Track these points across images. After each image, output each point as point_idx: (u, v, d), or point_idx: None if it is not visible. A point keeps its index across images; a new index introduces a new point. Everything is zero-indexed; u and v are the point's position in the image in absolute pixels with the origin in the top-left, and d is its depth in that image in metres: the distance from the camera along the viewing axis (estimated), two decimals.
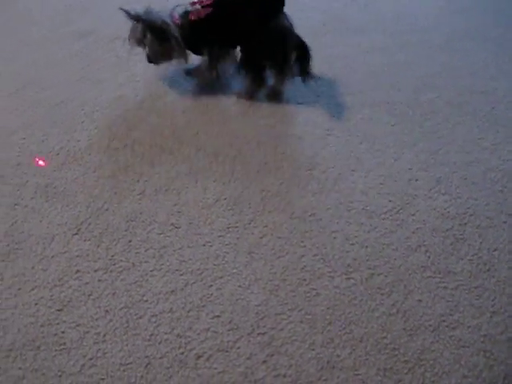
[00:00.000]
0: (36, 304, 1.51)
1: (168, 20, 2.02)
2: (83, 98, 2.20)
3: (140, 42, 2.05)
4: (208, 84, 2.23)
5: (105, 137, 2.01)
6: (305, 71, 2.06)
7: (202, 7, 2.02)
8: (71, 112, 2.13)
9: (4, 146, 2.01)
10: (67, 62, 2.41)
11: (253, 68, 2.07)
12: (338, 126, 2.04)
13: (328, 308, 1.50)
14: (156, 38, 2.02)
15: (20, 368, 1.38)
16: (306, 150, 1.94)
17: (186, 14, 2.04)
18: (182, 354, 1.40)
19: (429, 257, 1.63)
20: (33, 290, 1.55)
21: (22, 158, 1.94)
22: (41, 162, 1.80)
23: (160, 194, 1.81)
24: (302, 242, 1.64)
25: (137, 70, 2.30)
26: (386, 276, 1.57)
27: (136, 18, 1.99)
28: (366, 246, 1.64)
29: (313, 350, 1.41)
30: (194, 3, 2.04)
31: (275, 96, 2.18)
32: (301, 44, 2.03)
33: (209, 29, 2.02)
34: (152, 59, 2.13)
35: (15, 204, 1.78)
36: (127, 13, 1.97)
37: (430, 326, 1.46)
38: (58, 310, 1.50)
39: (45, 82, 2.30)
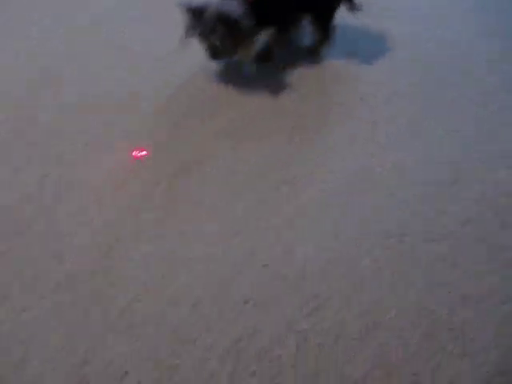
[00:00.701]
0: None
1: (239, 5, 1.85)
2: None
3: (206, 35, 1.89)
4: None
5: None
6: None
7: None
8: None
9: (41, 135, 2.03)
10: None
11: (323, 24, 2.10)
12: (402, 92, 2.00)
13: (377, 269, 1.51)
14: (229, 30, 1.85)
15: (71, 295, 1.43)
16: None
17: None
18: (228, 297, 1.44)
19: (481, 229, 1.59)
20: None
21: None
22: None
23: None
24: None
25: None
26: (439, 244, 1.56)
27: (201, 9, 1.84)
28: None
29: (358, 307, 1.43)
30: None
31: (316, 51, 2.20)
32: None
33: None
34: (217, 54, 1.96)
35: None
36: (189, 6, 1.84)
37: (477, 298, 1.44)
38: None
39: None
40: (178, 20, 1.85)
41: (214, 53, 1.93)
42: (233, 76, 2.07)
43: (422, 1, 2.44)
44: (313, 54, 2.19)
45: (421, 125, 1.89)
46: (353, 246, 1.55)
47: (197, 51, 1.93)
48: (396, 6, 2.36)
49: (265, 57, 2.10)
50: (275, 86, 2.04)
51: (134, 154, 1.70)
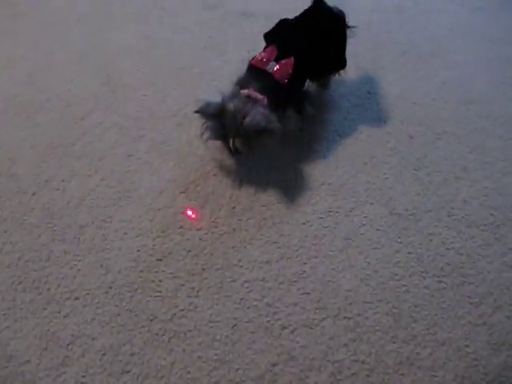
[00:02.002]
0: (138, 250, 1.61)
1: (260, 110, 1.64)
2: (205, 66, 2.27)
3: (227, 139, 1.74)
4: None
5: None
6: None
7: (278, 61, 1.73)
8: (192, 77, 2.21)
9: (126, 100, 2.13)
10: (194, 31, 2.49)
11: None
12: (450, 131, 2.00)
13: (415, 306, 1.51)
14: (254, 136, 1.68)
15: (116, 305, 1.48)
16: (415, 149, 1.92)
17: (267, 79, 1.72)
18: (268, 322, 1.46)
19: None
20: (137, 236, 1.64)
21: (141, 113, 2.04)
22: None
23: (270, 170, 1.86)
24: (399, 238, 1.65)
25: (260, 47, 2.33)
26: (476, 286, 1.56)
27: (221, 111, 1.67)
28: (461, 254, 1.63)
29: (394, 343, 1.43)
30: (258, 62, 1.75)
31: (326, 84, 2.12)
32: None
33: (300, 79, 1.82)
34: (239, 153, 1.80)
35: (130, 155, 1.88)
36: (205, 112, 1.69)
37: None
38: (158, 260, 1.59)
39: (170, 46, 2.39)
40: None
41: (236, 151, 1.78)
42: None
43: (466, 44, 2.45)
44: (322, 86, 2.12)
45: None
46: (394, 280, 1.56)
47: None
48: (441, 50, 2.38)
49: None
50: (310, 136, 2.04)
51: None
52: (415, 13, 2.57)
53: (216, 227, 1.66)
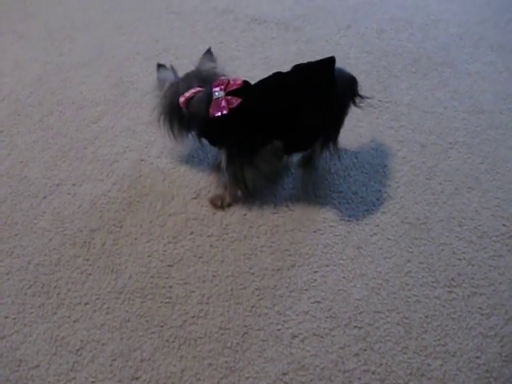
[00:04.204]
0: (149, 256, 1.61)
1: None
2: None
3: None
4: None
5: None
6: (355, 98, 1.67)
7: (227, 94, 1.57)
8: None
9: (138, 104, 2.13)
10: (203, 36, 2.48)
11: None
12: (461, 141, 2.00)
13: (426, 316, 1.50)
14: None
15: (127, 311, 1.48)
16: (427, 158, 1.92)
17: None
18: (279, 330, 1.46)
19: None
20: (148, 242, 1.64)
21: (152, 117, 2.03)
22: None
23: (280, 177, 1.86)
24: (410, 247, 1.65)
25: (271, 53, 2.34)
26: (488, 297, 1.55)
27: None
28: (473, 265, 1.62)
29: (405, 353, 1.43)
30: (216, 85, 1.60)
31: (310, 164, 1.86)
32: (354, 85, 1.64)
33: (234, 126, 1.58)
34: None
35: (141, 160, 1.88)
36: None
37: None
38: (169, 266, 1.59)
39: (180, 50, 2.38)
40: None
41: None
42: None
43: (476, 53, 2.44)
44: (305, 167, 1.89)
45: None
46: (405, 290, 1.56)
47: None
48: (452, 60, 2.37)
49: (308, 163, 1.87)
50: None
51: None
52: (425, 22, 2.55)
53: (227, 234, 1.66)
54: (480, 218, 1.75)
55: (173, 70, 1.71)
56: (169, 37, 2.49)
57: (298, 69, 1.58)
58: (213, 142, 1.71)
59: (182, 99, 1.59)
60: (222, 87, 1.56)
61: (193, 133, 1.70)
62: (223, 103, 1.54)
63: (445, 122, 2.06)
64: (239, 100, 1.54)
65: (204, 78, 1.64)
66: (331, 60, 1.52)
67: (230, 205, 1.74)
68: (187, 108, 1.60)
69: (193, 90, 1.60)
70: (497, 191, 1.82)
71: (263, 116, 1.55)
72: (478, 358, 1.43)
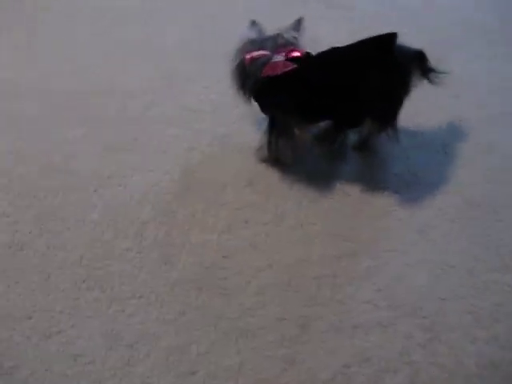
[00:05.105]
0: (203, 247, 1.56)
1: None
2: None
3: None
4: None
5: None
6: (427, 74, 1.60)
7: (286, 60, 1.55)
8: None
9: (186, 93, 2.09)
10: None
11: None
12: None
13: (496, 304, 1.42)
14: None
15: (181, 304, 1.44)
16: (490, 134, 1.82)
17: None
18: (340, 321, 1.39)
19: None
20: (202, 232, 1.59)
21: (201, 105, 2.00)
22: None
23: (335, 161, 1.80)
24: (476, 230, 1.56)
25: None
26: None
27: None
28: None
29: (475, 344, 1.34)
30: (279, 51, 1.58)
31: (367, 147, 1.79)
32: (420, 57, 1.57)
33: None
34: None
35: (192, 148, 1.84)
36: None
37: None
38: (224, 256, 1.54)
39: (226, 37, 2.31)
40: None
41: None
42: None
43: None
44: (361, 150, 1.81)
45: None
46: (472, 276, 1.48)
47: None
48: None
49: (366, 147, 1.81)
50: None
51: None
52: None
53: (282, 221, 1.61)
54: None
55: (261, 29, 1.66)
56: (212, 24, 2.43)
57: (357, 44, 1.53)
58: (261, 105, 1.66)
59: (248, 56, 1.57)
60: (284, 53, 1.55)
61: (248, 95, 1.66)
62: (278, 66, 1.52)
63: (500, 95, 1.97)
64: (294, 66, 1.52)
65: (280, 44, 1.60)
66: (392, 36, 1.47)
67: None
68: (249, 67, 1.57)
69: (262, 52, 1.57)
70: None
71: (316, 87, 1.54)
72: None
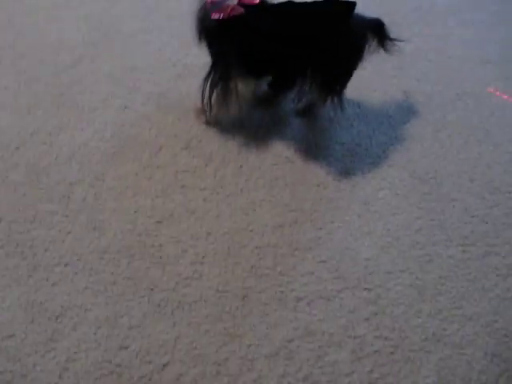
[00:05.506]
0: (135, 212, 1.46)
1: None
2: None
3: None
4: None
5: None
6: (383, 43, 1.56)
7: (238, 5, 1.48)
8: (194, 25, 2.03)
9: (120, 48, 1.95)
10: None
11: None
12: (469, 92, 1.89)
13: (440, 277, 1.39)
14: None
15: (112, 273, 1.34)
16: (434, 110, 1.78)
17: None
18: (282, 293, 1.33)
19: None
20: (134, 196, 1.49)
21: (137, 62, 1.87)
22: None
23: (278, 126, 1.70)
24: (420, 203, 1.53)
25: None
26: (504, 257, 1.44)
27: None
28: (486, 222, 1.51)
29: (419, 317, 1.31)
30: None
31: (310, 112, 1.74)
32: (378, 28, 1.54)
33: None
34: None
35: (125, 107, 1.72)
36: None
37: None
38: (158, 222, 1.44)
39: None
40: None
41: None
42: None
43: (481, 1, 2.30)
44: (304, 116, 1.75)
45: None
46: (416, 249, 1.44)
47: None
48: (456, 8, 2.23)
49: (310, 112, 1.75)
50: None
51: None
52: None
53: (222, 187, 1.52)
54: (492, 172, 1.64)
55: None
56: None
57: (315, 2, 1.47)
58: (208, 48, 1.56)
59: (209, 0, 1.49)
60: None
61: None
62: (226, 8, 1.45)
63: (450, 72, 1.94)
64: (242, 10, 1.45)
65: None
66: (351, 4, 1.42)
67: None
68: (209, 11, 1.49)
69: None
70: (508, 145, 1.72)
71: (260, 35, 1.47)
72: (495, 321, 1.31)
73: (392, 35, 1.54)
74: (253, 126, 1.69)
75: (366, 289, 1.35)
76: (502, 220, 1.52)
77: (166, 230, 1.42)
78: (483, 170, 1.64)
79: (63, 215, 1.44)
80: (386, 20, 1.81)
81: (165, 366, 1.19)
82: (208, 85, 1.55)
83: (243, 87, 1.59)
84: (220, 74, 1.53)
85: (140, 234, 1.41)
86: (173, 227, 1.42)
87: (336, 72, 1.53)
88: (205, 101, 1.58)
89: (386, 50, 1.55)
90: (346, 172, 1.59)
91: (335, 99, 1.58)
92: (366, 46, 1.50)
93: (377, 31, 1.52)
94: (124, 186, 1.50)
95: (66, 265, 1.34)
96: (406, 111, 1.78)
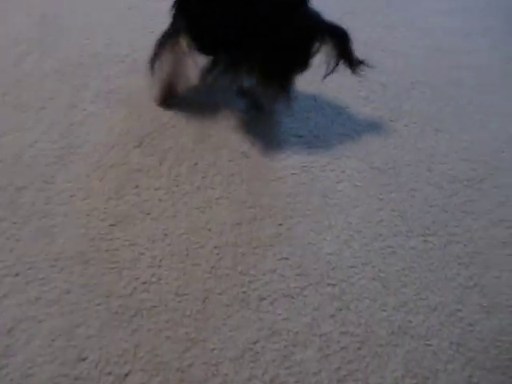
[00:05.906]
0: (88, 215, 1.39)
1: None
2: (156, 7, 2.01)
3: None
4: None
5: None
6: (350, 62, 1.53)
7: None
8: (142, 19, 1.96)
9: (65, 44, 1.87)
10: None
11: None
12: (424, 81, 1.89)
13: (403, 269, 1.38)
14: None
15: (65, 281, 1.27)
16: (390, 99, 1.77)
17: None
18: (244, 293, 1.29)
19: (511, 233, 1.47)
20: (86, 199, 1.43)
21: (84, 58, 1.80)
22: None
23: (233, 121, 1.67)
24: (380, 194, 1.52)
25: None
26: (465, 245, 1.44)
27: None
28: (446, 211, 1.51)
29: (384, 311, 1.29)
30: None
31: (261, 108, 1.70)
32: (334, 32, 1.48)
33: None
34: None
35: (73, 106, 1.65)
36: None
37: (510, 306, 1.33)
38: (112, 225, 1.38)
39: None
40: None
41: None
42: None
43: None
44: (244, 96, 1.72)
45: None
46: (378, 241, 1.43)
47: None
48: None
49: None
50: None
51: None
52: None
53: (177, 186, 1.47)
54: (449, 161, 1.64)
55: None
56: None
57: None
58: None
59: None
60: None
61: None
62: None
63: (404, 61, 1.92)
64: None
65: None
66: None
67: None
68: None
69: None
70: (463, 134, 1.72)
71: (212, 13, 1.42)
72: (459, 310, 1.31)
73: (358, 54, 1.50)
74: (207, 122, 1.63)
75: (329, 284, 1.32)
76: (462, 208, 1.52)
77: (120, 233, 1.36)
78: (440, 159, 1.64)
79: (11, 222, 1.36)
80: (336, 10, 1.79)
81: (126, 376, 1.13)
82: (158, 48, 1.50)
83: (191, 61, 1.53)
84: (168, 34, 1.49)
85: (93, 238, 1.35)
86: (128, 230, 1.37)
87: (280, 59, 1.48)
88: (155, 69, 1.54)
89: (352, 70, 1.52)
90: (303, 165, 1.55)
91: (280, 91, 1.54)
92: (316, 46, 1.46)
93: (338, 40, 1.47)
94: (75, 189, 1.44)
95: (16, 275, 1.27)
96: (362, 101, 1.76)
